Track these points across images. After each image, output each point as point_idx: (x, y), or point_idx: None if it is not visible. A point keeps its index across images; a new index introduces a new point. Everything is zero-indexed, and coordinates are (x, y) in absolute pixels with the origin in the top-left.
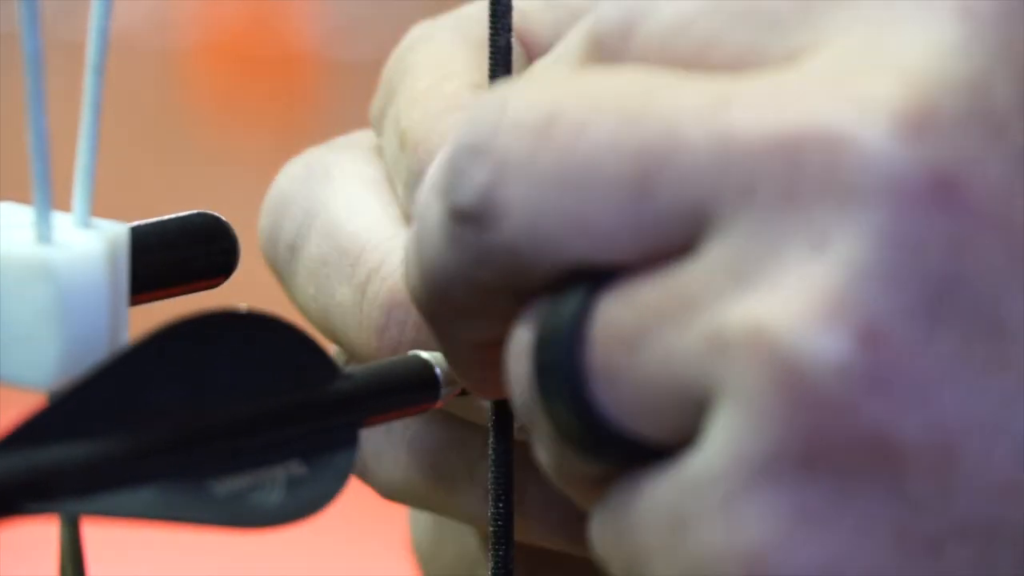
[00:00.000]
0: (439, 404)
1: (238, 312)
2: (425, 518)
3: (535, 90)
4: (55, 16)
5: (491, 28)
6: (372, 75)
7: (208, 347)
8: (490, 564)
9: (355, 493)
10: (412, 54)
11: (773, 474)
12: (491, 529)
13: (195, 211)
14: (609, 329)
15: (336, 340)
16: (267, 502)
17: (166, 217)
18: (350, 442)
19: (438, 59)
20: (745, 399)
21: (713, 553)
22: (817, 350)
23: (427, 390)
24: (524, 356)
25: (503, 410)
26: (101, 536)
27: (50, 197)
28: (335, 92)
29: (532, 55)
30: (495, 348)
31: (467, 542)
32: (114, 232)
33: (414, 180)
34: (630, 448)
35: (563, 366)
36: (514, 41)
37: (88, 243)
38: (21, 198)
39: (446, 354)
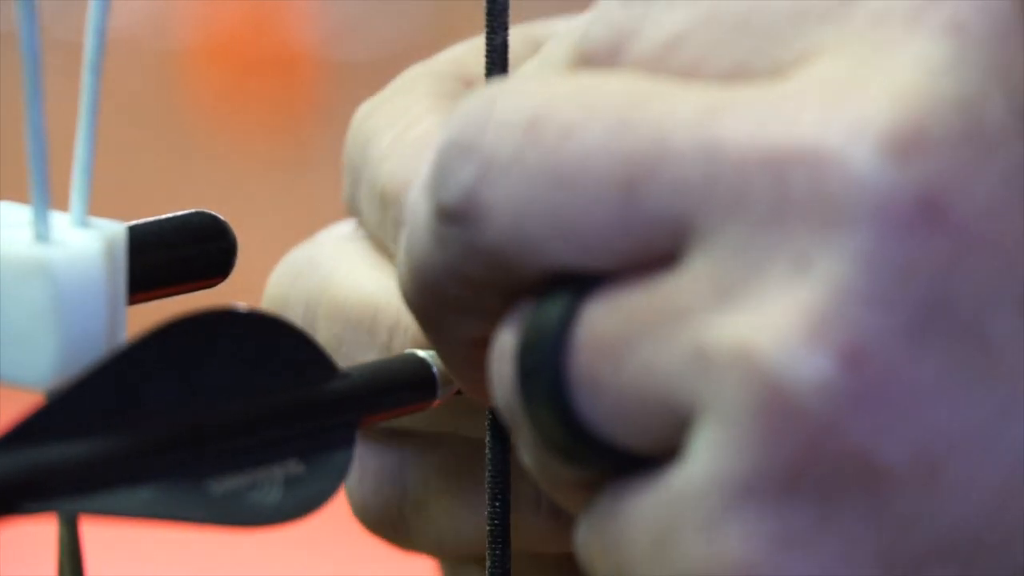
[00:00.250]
0: (437, 403)
1: (236, 311)
2: None
3: (525, 89)
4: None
5: (487, 27)
6: (372, 75)
7: (206, 346)
8: (488, 564)
9: None
10: (366, 124)
11: (756, 494)
12: (488, 528)
13: (193, 210)
14: (594, 337)
15: None
16: (265, 501)
17: (164, 216)
18: (348, 441)
19: (394, 115)
20: (728, 418)
21: (696, 570)
22: (800, 370)
23: (424, 389)
24: (508, 359)
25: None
26: (100, 535)
27: (48, 196)
28: (334, 92)
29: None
30: (487, 347)
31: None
32: (112, 231)
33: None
34: (614, 457)
35: (546, 372)
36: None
37: (86, 242)
38: (19, 197)
39: (439, 353)
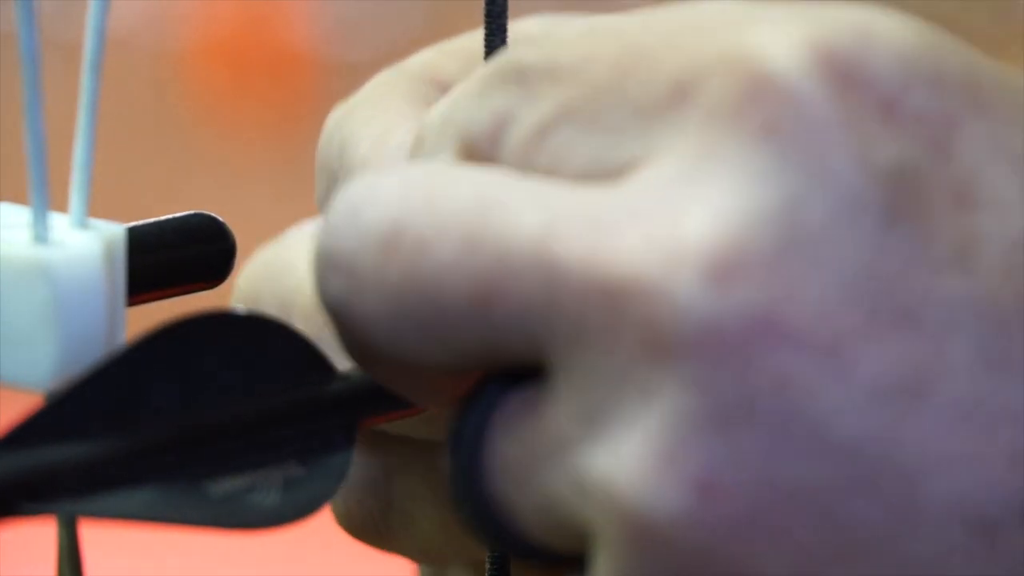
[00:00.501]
0: None
1: (235, 313)
2: None
3: (386, 196)
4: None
5: (486, 28)
6: (370, 76)
7: (205, 348)
8: (487, 564)
9: None
10: (340, 131)
11: None
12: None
13: (192, 211)
14: (499, 462)
15: None
16: (264, 503)
17: (163, 218)
18: (347, 443)
19: (371, 120)
20: (609, 548)
21: None
22: (659, 505)
23: None
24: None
25: None
26: (99, 537)
27: (47, 197)
28: (332, 93)
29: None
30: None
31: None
32: (111, 233)
33: None
34: (546, 557)
35: (466, 485)
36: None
37: (85, 244)
38: (18, 198)
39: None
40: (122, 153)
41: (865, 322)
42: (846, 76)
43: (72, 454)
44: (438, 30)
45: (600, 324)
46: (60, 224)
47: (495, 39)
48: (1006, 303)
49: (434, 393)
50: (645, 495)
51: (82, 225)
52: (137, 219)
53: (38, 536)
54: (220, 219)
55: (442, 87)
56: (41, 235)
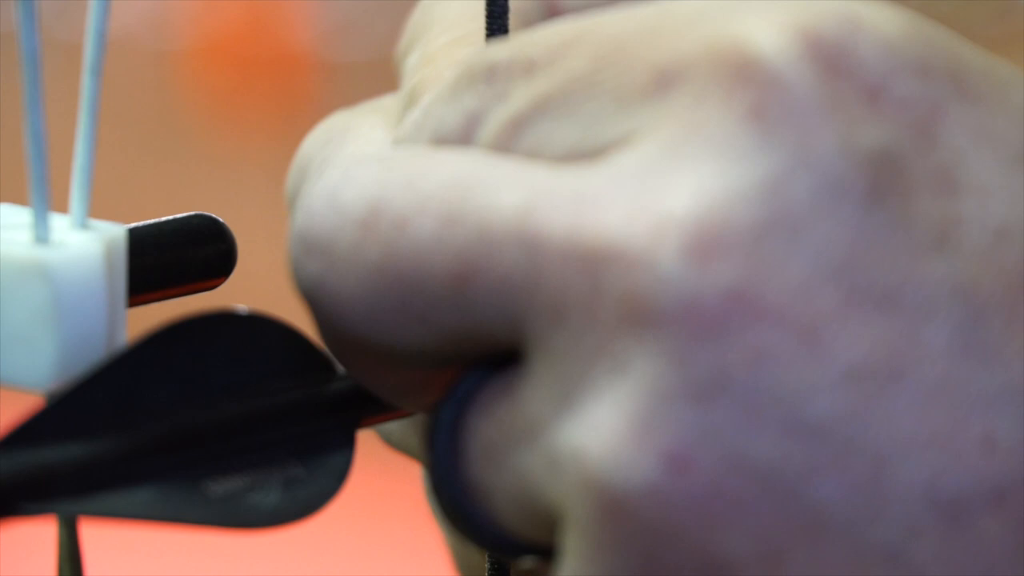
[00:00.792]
0: None
1: (235, 313)
2: None
3: (364, 178)
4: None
5: (487, 29)
6: (370, 76)
7: (205, 348)
8: (487, 564)
9: (353, 494)
10: (437, 5)
11: None
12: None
13: (193, 212)
14: (477, 449)
15: None
16: (264, 503)
17: (164, 218)
18: (347, 442)
19: (458, 18)
20: (578, 524)
21: None
22: (630, 477)
23: None
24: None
25: None
26: (99, 536)
27: (48, 198)
28: (333, 93)
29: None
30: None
31: None
32: (111, 233)
33: None
34: (522, 551)
35: (444, 472)
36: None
37: (85, 244)
38: (19, 199)
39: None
40: (122, 153)
41: (843, 303)
42: (832, 62)
43: (72, 454)
44: None
45: (580, 297)
46: (60, 225)
47: (495, 40)
48: (985, 288)
49: (412, 390)
50: (615, 466)
51: (82, 226)
52: (137, 219)
53: (38, 536)
54: (220, 219)
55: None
56: (41, 236)
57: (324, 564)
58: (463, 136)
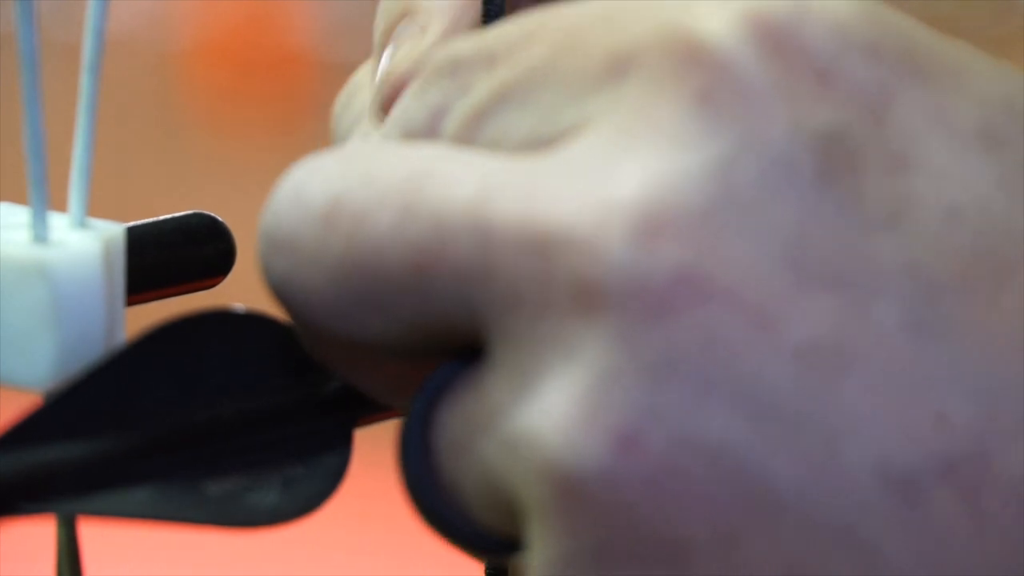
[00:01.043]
0: None
1: (233, 312)
2: None
3: (326, 173)
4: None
5: (483, 17)
6: None
7: (203, 347)
8: (485, 566)
9: (352, 494)
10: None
11: None
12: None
13: (192, 211)
14: (445, 442)
15: None
16: (263, 502)
17: (162, 217)
18: (345, 442)
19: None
20: (537, 510)
21: None
22: (581, 459)
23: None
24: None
25: None
26: (98, 536)
27: (46, 197)
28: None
29: None
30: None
31: None
32: (110, 232)
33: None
34: (493, 547)
35: (414, 467)
36: None
37: (84, 243)
38: (18, 198)
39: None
40: (122, 153)
41: (793, 283)
42: (780, 44)
43: (71, 453)
44: None
45: (532, 284)
46: (59, 224)
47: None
48: (937, 267)
49: (398, 388)
50: (566, 448)
51: (81, 225)
52: (136, 219)
53: (38, 536)
54: (220, 219)
55: None
56: (40, 235)
57: (323, 564)
58: (429, 130)
